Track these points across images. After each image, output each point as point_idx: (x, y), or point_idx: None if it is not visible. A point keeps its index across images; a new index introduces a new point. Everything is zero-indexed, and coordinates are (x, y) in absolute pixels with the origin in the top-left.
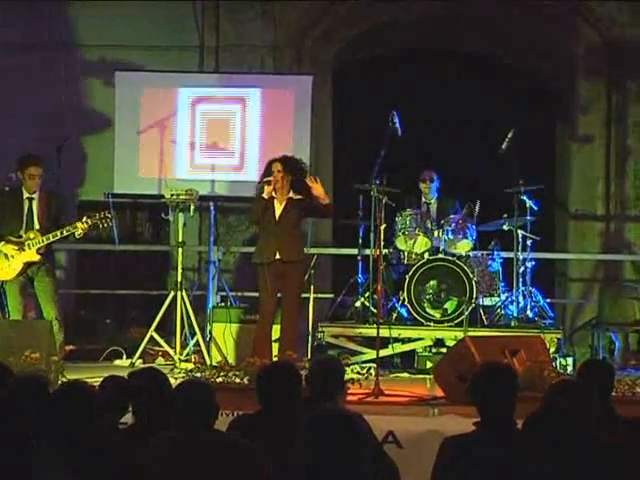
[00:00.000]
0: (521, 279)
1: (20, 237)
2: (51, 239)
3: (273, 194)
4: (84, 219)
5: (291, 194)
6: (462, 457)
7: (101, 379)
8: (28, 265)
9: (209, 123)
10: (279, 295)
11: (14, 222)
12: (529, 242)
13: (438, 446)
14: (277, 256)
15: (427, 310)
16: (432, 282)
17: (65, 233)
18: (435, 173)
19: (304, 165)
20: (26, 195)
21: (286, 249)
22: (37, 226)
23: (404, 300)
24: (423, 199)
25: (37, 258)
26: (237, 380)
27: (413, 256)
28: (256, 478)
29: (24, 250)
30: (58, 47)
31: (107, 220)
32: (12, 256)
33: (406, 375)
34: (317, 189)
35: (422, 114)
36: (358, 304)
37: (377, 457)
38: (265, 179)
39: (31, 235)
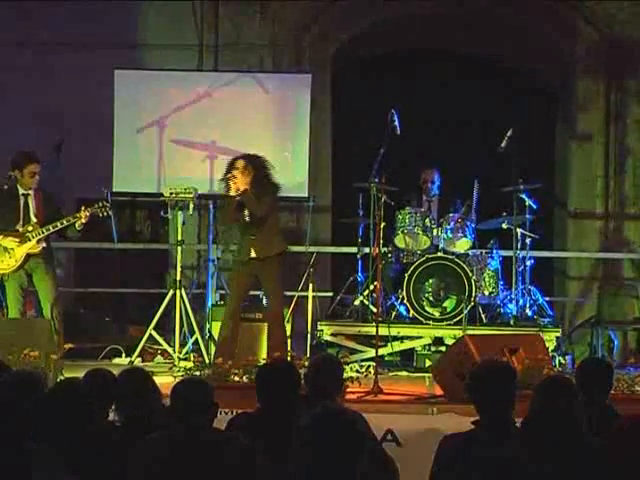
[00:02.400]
0: (520, 277)
1: (18, 231)
2: (51, 229)
3: (239, 193)
4: (83, 209)
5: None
6: (461, 455)
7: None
8: (29, 257)
9: (208, 122)
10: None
11: (11, 218)
12: (528, 240)
13: (437, 444)
14: (252, 254)
15: (426, 308)
16: (431, 280)
17: (65, 223)
18: (437, 172)
19: (267, 162)
20: (21, 191)
21: (260, 246)
22: (34, 221)
23: (403, 298)
24: (425, 197)
25: (38, 249)
26: (236, 378)
27: (412, 254)
28: (255, 477)
29: (25, 242)
30: (57, 46)
31: (106, 209)
32: (12, 248)
33: (405, 373)
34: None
35: (422, 114)
36: (357, 302)
37: (377, 457)
38: (227, 176)
39: (29, 228)
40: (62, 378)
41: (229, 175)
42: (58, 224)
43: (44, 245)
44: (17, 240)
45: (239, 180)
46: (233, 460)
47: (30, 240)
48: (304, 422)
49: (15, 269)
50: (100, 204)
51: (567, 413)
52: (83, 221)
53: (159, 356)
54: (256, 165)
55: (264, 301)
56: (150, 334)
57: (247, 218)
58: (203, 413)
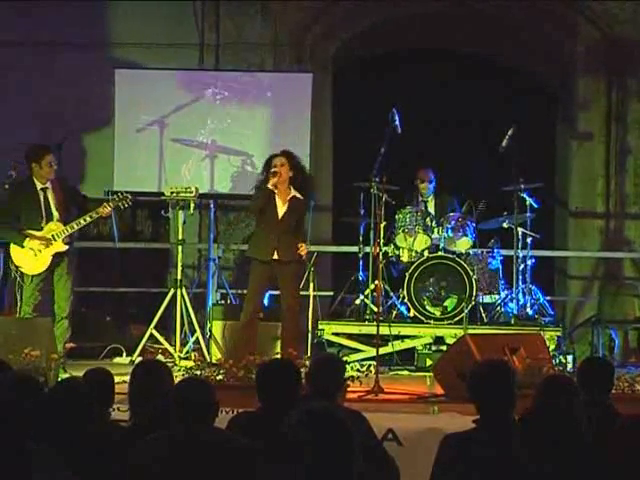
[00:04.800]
0: (521, 277)
1: (41, 229)
2: (75, 227)
3: (275, 188)
4: (104, 204)
5: (293, 192)
6: (462, 455)
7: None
8: (57, 256)
9: (208, 121)
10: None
11: (33, 214)
12: (529, 240)
13: (438, 444)
14: (275, 256)
15: (427, 308)
16: (432, 280)
17: (89, 220)
18: (432, 172)
19: (304, 164)
20: (40, 186)
21: (285, 249)
22: (56, 216)
23: (404, 298)
24: (420, 197)
25: (65, 248)
26: (238, 376)
27: (413, 254)
28: (255, 478)
29: (50, 243)
30: (58, 45)
31: (127, 200)
32: (39, 250)
33: (406, 373)
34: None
35: (422, 114)
36: (358, 302)
37: (378, 456)
38: (271, 170)
39: (53, 227)
40: (61, 377)
41: (273, 170)
42: (82, 221)
43: (68, 241)
44: (43, 243)
45: (282, 177)
46: (233, 460)
47: (55, 240)
48: (289, 422)
49: (44, 270)
50: (120, 196)
51: (567, 412)
52: (105, 215)
53: (160, 355)
54: (294, 165)
55: (265, 301)
56: (151, 333)
57: (279, 217)
58: (204, 413)
